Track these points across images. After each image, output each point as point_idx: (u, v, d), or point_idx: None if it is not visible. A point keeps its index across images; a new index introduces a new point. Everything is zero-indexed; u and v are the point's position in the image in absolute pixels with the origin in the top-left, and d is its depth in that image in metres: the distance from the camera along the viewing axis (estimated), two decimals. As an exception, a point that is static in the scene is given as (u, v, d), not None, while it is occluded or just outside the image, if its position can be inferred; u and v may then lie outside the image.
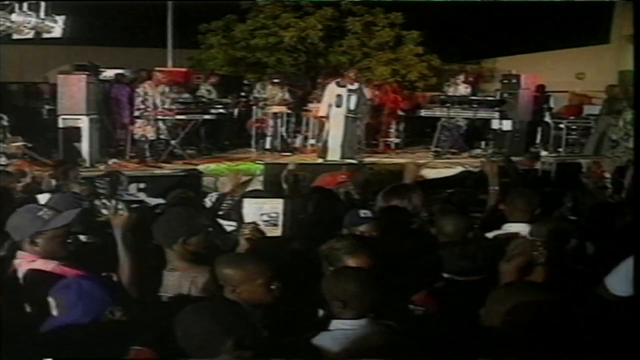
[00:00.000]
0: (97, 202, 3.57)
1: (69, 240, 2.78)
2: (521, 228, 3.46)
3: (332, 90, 9.74)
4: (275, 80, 11.32)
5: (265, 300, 2.45)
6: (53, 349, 2.05)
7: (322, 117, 10.06)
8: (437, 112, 11.28)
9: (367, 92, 10.02)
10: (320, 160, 9.67)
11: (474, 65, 16.07)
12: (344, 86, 9.63)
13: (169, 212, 3.24)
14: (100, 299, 2.14)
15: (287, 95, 11.12)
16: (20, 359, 2.09)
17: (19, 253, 2.72)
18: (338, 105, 9.58)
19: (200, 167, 9.34)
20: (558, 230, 2.99)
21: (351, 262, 2.65)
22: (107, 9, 13.55)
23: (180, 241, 2.82)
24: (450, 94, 11.53)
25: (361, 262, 2.65)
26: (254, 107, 11.06)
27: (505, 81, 11.62)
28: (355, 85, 9.66)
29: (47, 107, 10.72)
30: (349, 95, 9.54)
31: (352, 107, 9.57)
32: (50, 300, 2.18)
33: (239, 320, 1.99)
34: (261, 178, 8.60)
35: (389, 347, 2.22)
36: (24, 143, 7.88)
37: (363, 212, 3.30)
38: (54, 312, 2.16)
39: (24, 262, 2.67)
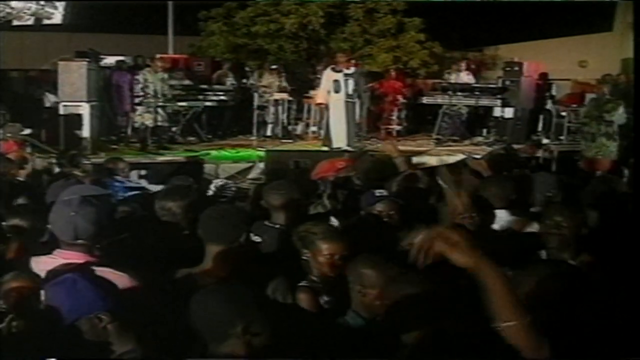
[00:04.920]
0: None
1: None
2: (501, 214, 3.49)
3: (328, 76, 9.67)
4: (273, 67, 11.32)
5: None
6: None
7: (320, 103, 10.03)
8: (439, 99, 11.26)
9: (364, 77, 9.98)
10: (325, 148, 9.59)
11: (476, 52, 16.01)
12: (340, 71, 9.56)
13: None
14: (91, 301, 2.05)
15: (284, 84, 11.09)
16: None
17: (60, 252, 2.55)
18: (336, 91, 9.51)
19: (201, 154, 9.33)
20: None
21: (325, 247, 2.68)
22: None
23: None
24: (452, 81, 11.49)
25: (335, 249, 2.67)
26: (255, 94, 11.04)
27: (508, 69, 11.58)
28: (352, 70, 9.60)
29: (47, 94, 10.70)
30: (346, 80, 9.48)
31: (350, 91, 9.52)
32: (42, 292, 2.13)
33: (249, 305, 1.96)
34: (262, 165, 8.61)
35: None
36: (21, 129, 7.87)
37: (378, 192, 3.32)
38: (42, 306, 2.10)
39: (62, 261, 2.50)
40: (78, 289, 2.07)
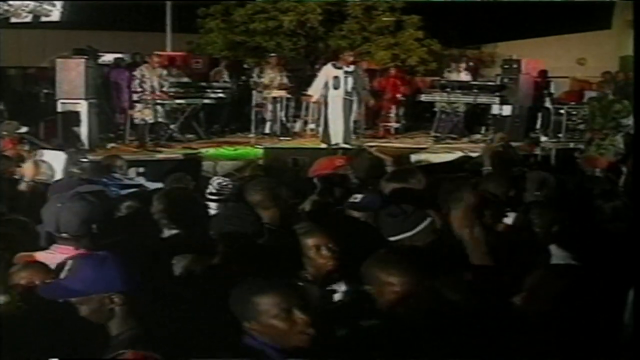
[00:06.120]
0: None
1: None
2: None
3: (327, 71, 9.65)
4: (272, 55, 11.30)
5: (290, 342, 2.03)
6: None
7: (309, 95, 10.01)
8: (437, 97, 11.24)
9: (363, 76, 9.97)
10: (323, 145, 9.58)
11: (475, 50, 15.99)
12: (340, 68, 9.57)
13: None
14: (112, 279, 2.07)
15: (285, 80, 11.08)
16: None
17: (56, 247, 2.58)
18: (335, 87, 9.51)
19: (200, 151, 9.32)
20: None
21: (309, 242, 2.70)
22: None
23: None
24: (451, 79, 11.48)
25: (318, 242, 2.68)
26: (254, 92, 11.03)
27: (506, 66, 11.57)
28: (352, 68, 9.61)
29: (45, 91, 10.70)
30: (345, 77, 9.47)
31: (349, 89, 9.51)
32: (69, 262, 2.13)
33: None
34: (260, 162, 8.61)
35: None
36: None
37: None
38: (62, 275, 2.09)
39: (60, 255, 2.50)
40: (105, 266, 2.09)
